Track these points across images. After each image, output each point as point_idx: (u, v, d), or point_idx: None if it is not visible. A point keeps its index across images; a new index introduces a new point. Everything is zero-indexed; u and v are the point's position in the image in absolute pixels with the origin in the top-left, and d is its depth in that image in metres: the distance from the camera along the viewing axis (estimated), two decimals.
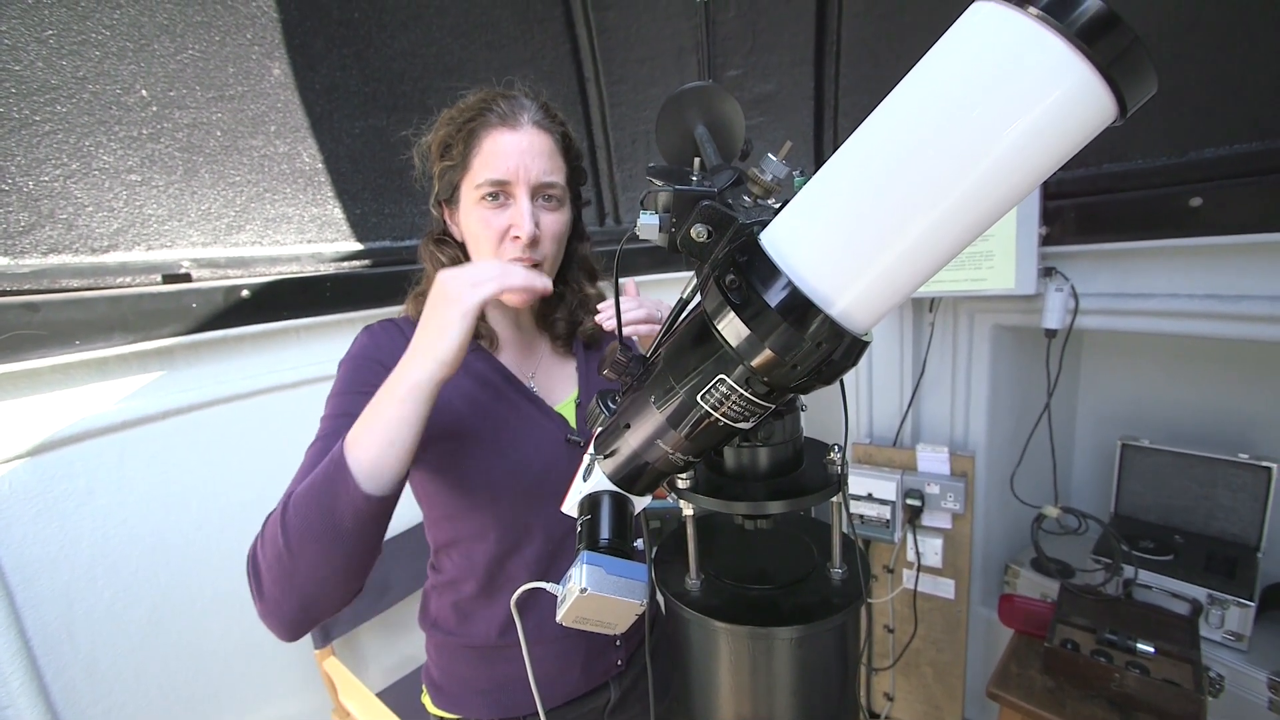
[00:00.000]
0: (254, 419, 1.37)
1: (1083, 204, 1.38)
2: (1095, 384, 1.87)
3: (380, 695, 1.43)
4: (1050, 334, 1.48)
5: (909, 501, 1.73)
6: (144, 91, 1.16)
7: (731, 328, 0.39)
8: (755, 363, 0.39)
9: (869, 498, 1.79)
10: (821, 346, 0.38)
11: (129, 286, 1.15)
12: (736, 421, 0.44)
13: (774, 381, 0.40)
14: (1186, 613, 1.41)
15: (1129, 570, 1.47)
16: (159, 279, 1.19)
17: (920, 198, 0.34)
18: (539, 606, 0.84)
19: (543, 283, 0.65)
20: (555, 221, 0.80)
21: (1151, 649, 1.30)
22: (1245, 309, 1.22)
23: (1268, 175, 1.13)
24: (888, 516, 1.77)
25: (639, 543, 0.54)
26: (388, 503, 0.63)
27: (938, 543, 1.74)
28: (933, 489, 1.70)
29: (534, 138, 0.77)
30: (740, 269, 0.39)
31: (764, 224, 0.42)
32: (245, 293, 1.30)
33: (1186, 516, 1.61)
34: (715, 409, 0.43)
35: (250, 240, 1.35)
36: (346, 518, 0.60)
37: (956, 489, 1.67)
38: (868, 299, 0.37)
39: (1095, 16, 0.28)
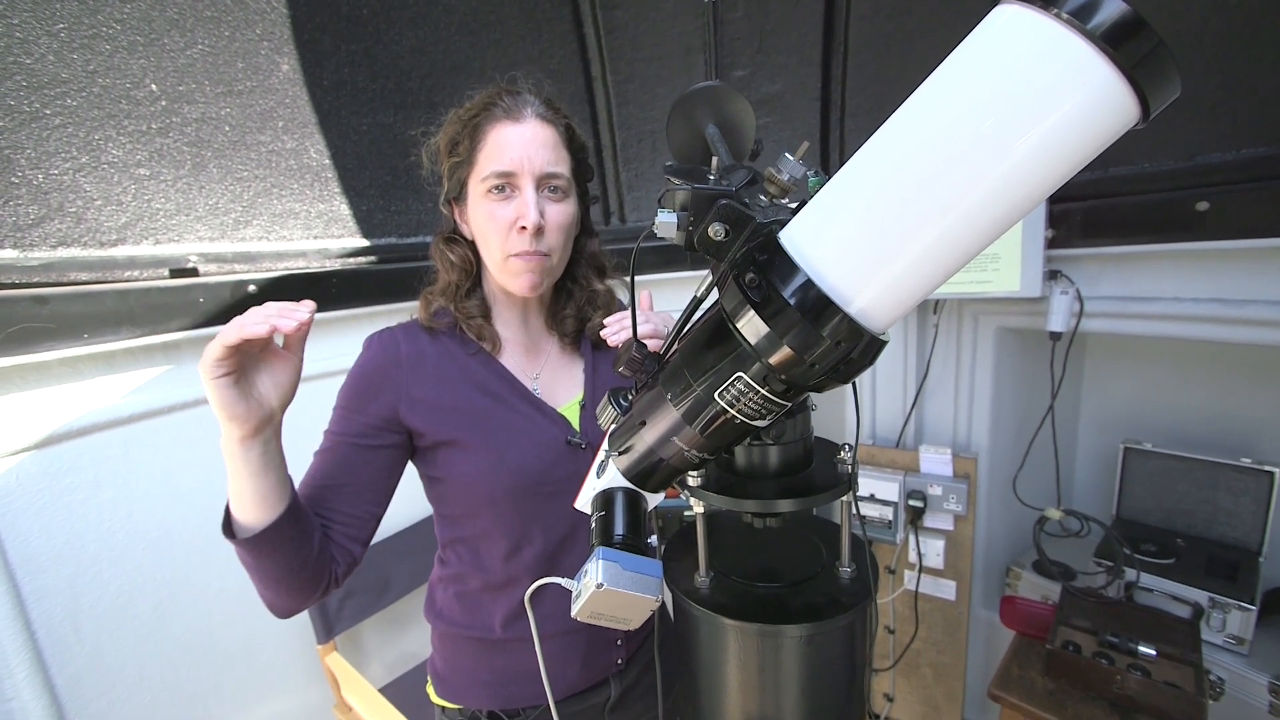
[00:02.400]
0: None
1: (1089, 207, 1.38)
2: (1098, 387, 1.87)
3: (383, 690, 1.44)
4: (1055, 337, 1.49)
5: (911, 503, 1.73)
6: (153, 86, 1.16)
7: (751, 326, 0.39)
8: (774, 360, 0.40)
9: (871, 498, 1.79)
10: (840, 345, 0.38)
11: (137, 280, 1.15)
12: (753, 419, 0.44)
13: (792, 379, 0.41)
14: (1188, 616, 1.42)
15: (1131, 573, 1.48)
16: (166, 273, 1.20)
17: (943, 198, 0.34)
18: (544, 602, 0.84)
19: (253, 326, 0.58)
20: (561, 212, 0.80)
21: (1153, 652, 1.30)
22: (1250, 313, 1.22)
23: (1274, 180, 1.13)
24: (890, 517, 1.78)
25: (652, 539, 0.54)
26: (259, 541, 0.67)
27: (939, 544, 1.75)
28: (935, 490, 1.70)
29: (537, 129, 0.78)
30: (760, 267, 0.39)
31: (782, 223, 0.42)
32: (252, 288, 1.30)
33: (1188, 520, 1.61)
34: (732, 406, 0.44)
35: (257, 235, 1.35)
36: (239, 552, 0.68)
37: (959, 491, 1.67)
38: (887, 298, 0.38)
39: (1120, 20, 0.29)
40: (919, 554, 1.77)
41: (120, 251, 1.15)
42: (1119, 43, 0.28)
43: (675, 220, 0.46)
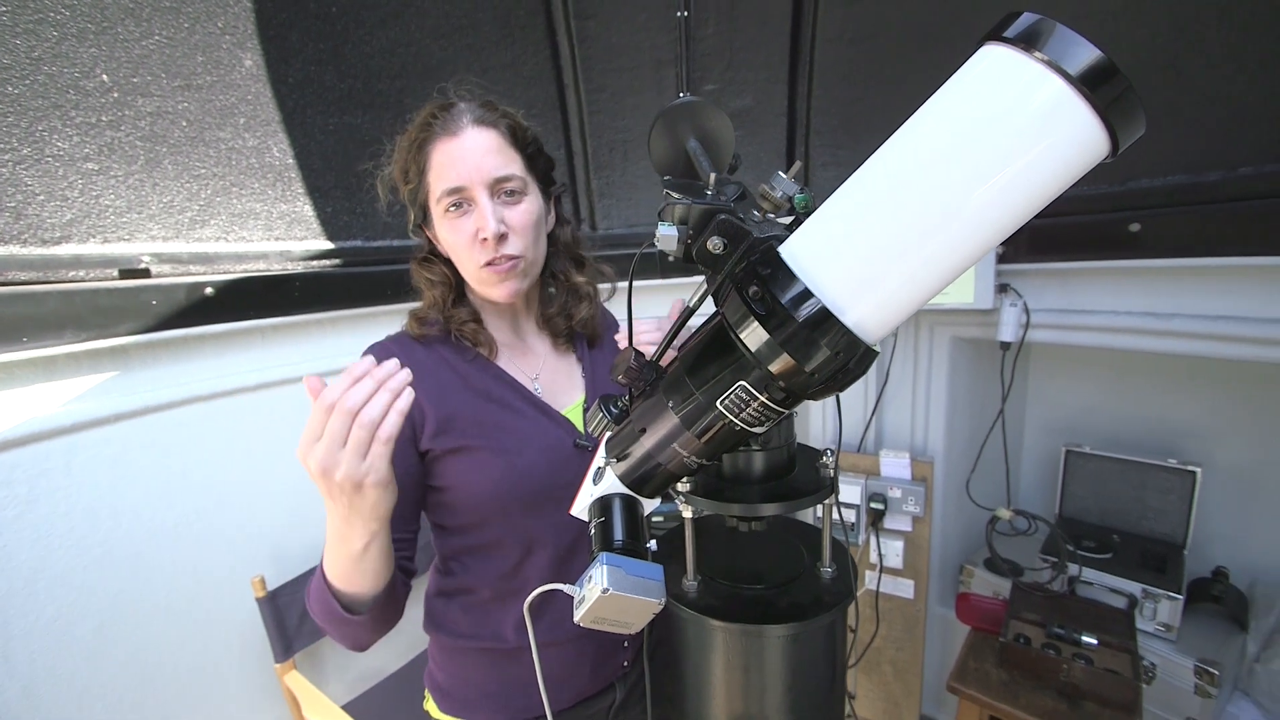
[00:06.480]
0: (214, 423, 1.31)
1: (1034, 226, 1.44)
2: (1043, 394, 1.99)
3: (346, 708, 1.38)
4: (1005, 346, 1.58)
5: (873, 505, 1.79)
6: (105, 76, 1.10)
7: (753, 336, 0.41)
8: (774, 369, 0.41)
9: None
10: (839, 355, 0.40)
11: (83, 281, 1.08)
12: (752, 426, 0.46)
13: (791, 388, 0.42)
14: (1124, 607, 1.52)
15: (1073, 568, 1.58)
16: (115, 274, 1.13)
17: (934, 220, 0.36)
18: (553, 609, 0.84)
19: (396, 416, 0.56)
20: (522, 213, 0.80)
21: (1094, 641, 1.39)
22: (1177, 326, 1.34)
23: (1199, 205, 1.24)
24: (852, 520, 1.84)
25: (651, 544, 0.55)
26: (382, 607, 0.72)
27: (899, 545, 1.82)
28: (895, 493, 1.77)
29: (476, 138, 0.77)
30: (763, 280, 0.41)
31: (778, 238, 0.44)
32: (209, 290, 1.24)
33: (1123, 517, 1.73)
34: (732, 413, 0.45)
35: (215, 235, 1.29)
36: (353, 621, 0.70)
37: (917, 493, 1.74)
38: (880, 312, 0.40)
39: (1096, 64, 0.32)
40: (879, 555, 1.83)
41: (65, 250, 1.08)
42: (1095, 85, 0.32)
43: (676, 233, 0.47)
